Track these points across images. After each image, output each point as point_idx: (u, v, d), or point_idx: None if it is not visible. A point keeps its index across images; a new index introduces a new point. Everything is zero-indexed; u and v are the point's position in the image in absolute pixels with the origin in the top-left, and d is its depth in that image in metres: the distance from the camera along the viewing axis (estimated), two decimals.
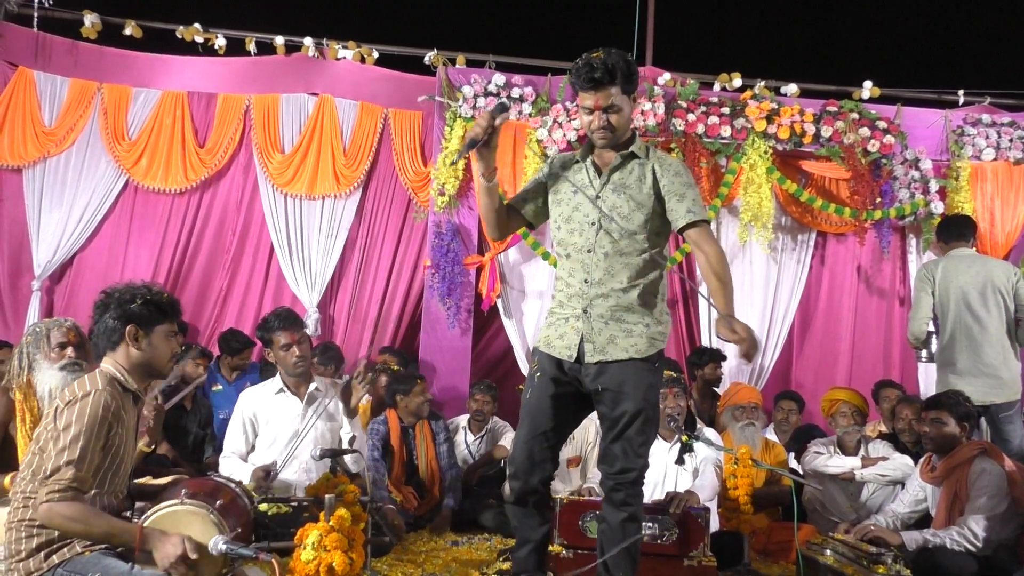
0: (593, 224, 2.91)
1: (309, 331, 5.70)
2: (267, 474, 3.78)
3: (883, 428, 5.60)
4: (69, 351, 3.35)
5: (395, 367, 5.34)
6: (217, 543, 2.35)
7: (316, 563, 2.76)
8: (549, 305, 3.10)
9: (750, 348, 2.74)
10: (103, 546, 2.43)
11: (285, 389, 4.09)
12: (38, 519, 2.39)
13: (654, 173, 2.96)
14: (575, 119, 6.14)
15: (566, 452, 4.84)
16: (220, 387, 5.51)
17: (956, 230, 5.18)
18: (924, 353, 5.32)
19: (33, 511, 2.41)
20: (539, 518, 3.05)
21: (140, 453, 3.52)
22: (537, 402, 2.96)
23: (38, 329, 3.39)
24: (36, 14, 6.34)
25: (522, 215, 3.10)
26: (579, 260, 2.93)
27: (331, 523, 2.86)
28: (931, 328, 5.17)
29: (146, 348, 2.63)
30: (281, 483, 3.92)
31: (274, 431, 4.03)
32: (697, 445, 4.23)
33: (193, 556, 2.31)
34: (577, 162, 3.04)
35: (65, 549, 2.41)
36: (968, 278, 4.93)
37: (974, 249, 5.19)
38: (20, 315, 6.22)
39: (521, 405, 3.04)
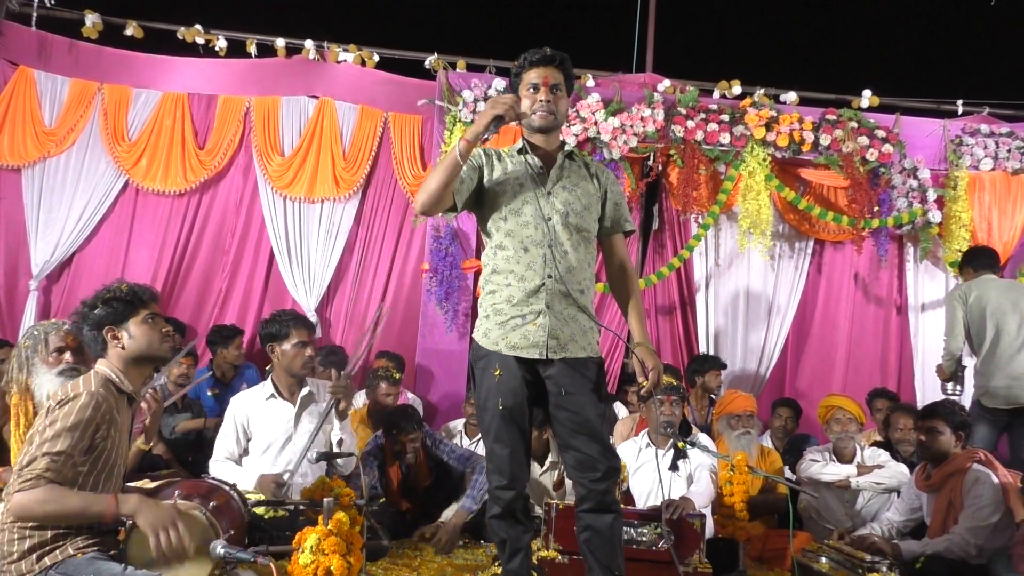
0: (549, 219, 2.89)
1: None
2: (279, 485, 3.77)
3: (877, 437, 5.61)
4: (67, 356, 3.34)
5: (396, 374, 5.33)
6: (216, 547, 2.35)
7: (314, 567, 2.76)
8: (492, 301, 2.93)
9: (652, 390, 2.89)
10: (95, 549, 2.43)
11: (276, 394, 4.08)
12: (10, 510, 2.37)
13: (597, 178, 3.04)
14: (574, 124, 6.15)
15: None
16: (217, 391, 5.50)
17: (985, 260, 5.43)
18: (950, 386, 5.44)
19: (7, 503, 2.40)
20: (524, 525, 3.01)
21: (138, 451, 3.51)
22: (514, 409, 2.88)
23: (36, 332, 3.37)
24: (35, 13, 6.34)
25: (454, 199, 2.92)
26: (539, 255, 2.87)
27: (329, 527, 2.86)
28: (963, 363, 5.38)
29: (129, 343, 2.64)
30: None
31: (267, 437, 4.02)
32: (693, 451, 4.24)
33: (177, 525, 2.34)
34: (516, 155, 3.00)
35: (58, 551, 2.40)
36: (1001, 295, 5.19)
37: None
38: (17, 315, 6.21)
39: (487, 411, 2.90)
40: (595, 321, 2.97)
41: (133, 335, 2.66)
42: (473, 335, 3.02)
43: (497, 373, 2.88)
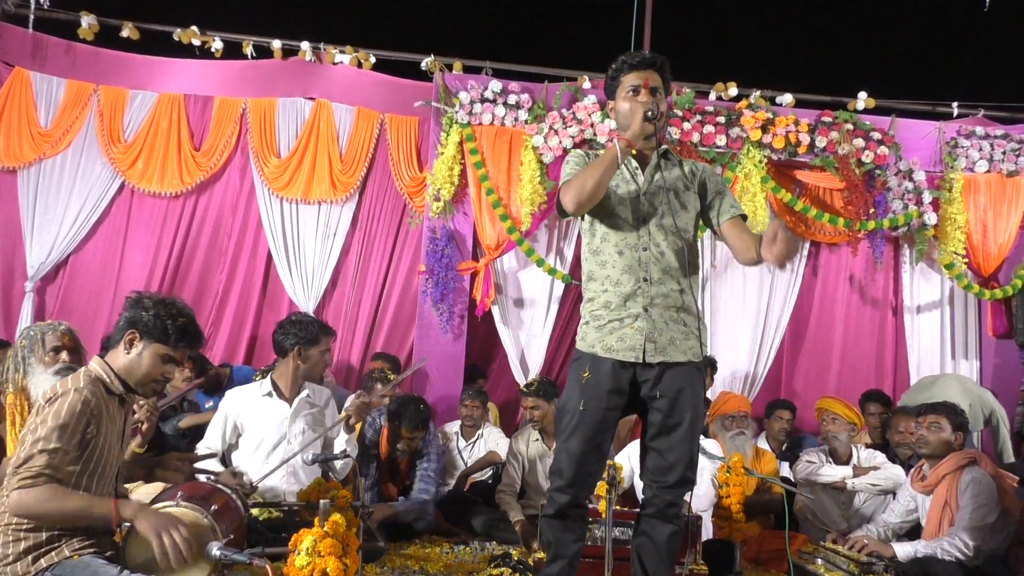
0: (645, 222, 2.85)
1: None
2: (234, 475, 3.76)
3: (867, 439, 5.62)
4: (64, 355, 3.33)
5: (390, 375, 5.32)
6: (212, 549, 2.34)
7: (310, 568, 2.75)
8: (591, 308, 2.90)
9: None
10: (92, 550, 2.42)
11: (274, 393, 4.08)
12: (9, 508, 2.37)
13: (693, 173, 2.98)
14: (571, 126, 6.15)
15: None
16: (211, 403, 5.46)
17: None
18: None
19: (5, 497, 2.40)
20: (576, 533, 2.91)
21: (133, 454, 3.50)
22: (594, 414, 2.79)
23: (33, 332, 3.36)
24: (32, 15, 6.32)
25: None
26: (635, 258, 2.83)
27: (325, 528, 2.85)
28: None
29: (134, 358, 2.61)
30: (269, 488, 3.90)
31: (260, 435, 4.01)
32: None
33: (180, 530, 2.32)
34: None
35: (53, 553, 2.40)
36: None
37: None
38: (12, 316, 6.20)
39: (567, 413, 2.85)
40: (700, 323, 2.91)
41: (143, 357, 2.62)
42: (577, 344, 2.97)
43: (585, 375, 2.82)
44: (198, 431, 5.01)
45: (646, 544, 2.85)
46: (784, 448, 5.55)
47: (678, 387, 2.80)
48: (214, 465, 3.90)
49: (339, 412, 4.18)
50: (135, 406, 3.50)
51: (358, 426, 4.46)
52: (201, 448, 4.02)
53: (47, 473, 2.35)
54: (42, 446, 2.36)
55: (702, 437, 4.47)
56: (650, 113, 2.75)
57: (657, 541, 2.83)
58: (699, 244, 3.03)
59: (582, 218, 2.96)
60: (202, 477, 3.22)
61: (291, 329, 4.09)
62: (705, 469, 4.32)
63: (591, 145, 6.20)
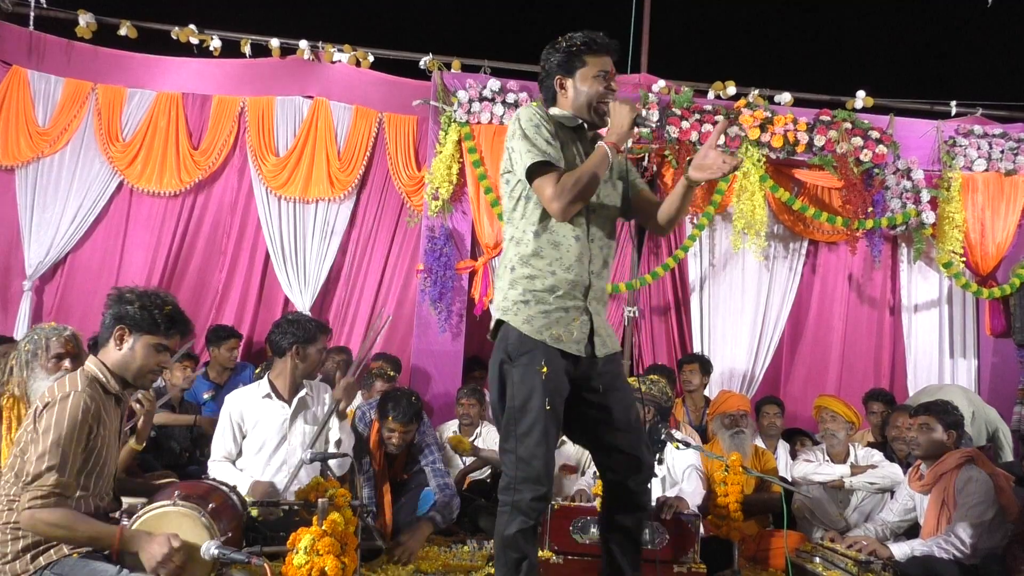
0: (592, 211, 2.80)
1: None
2: (272, 489, 3.77)
3: (871, 438, 5.62)
4: (66, 363, 3.32)
5: (390, 372, 5.33)
6: (210, 548, 2.34)
7: (309, 567, 2.75)
8: (531, 286, 2.72)
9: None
10: (89, 548, 2.42)
11: (272, 394, 4.07)
12: (22, 525, 2.39)
13: (623, 164, 2.99)
14: None
15: (558, 459, 4.82)
16: (212, 393, 5.47)
17: None
18: None
19: (17, 515, 2.40)
20: (536, 536, 2.82)
21: (132, 452, 3.51)
22: (557, 412, 2.66)
23: (37, 336, 3.35)
24: (30, 13, 6.32)
25: None
26: (586, 247, 2.75)
27: (324, 527, 2.85)
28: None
29: (127, 353, 2.62)
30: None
31: (261, 436, 4.00)
32: (679, 452, 4.25)
33: (178, 554, 2.31)
34: (566, 129, 2.86)
35: (52, 551, 2.41)
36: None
37: None
38: (10, 316, 6.20)
39: (528, 412, 2.62)
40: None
41: (136, 351, 2.63)
42: (507, 319, 2.73)
43: (544, 370, 2.63)
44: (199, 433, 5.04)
45: (621, 538, 2.83)
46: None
47: (619, 378, 2.83)
48: (229, 472, 3.89)
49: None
50: (133, 404, 3.51)
51: (351, 413, 4.45)
52: (216, 455, 4.00)
53: (57, 492, 2.37)
54: (48, 461, 2.37)
55: (672, 428, 4.50)
56: (643, 121, 2.76)
57: (631, 531, 2.83)
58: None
59: (528, 182, 2.73)
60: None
61: (288, 328, 4.08)
62: (692, 466, 4.33)
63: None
